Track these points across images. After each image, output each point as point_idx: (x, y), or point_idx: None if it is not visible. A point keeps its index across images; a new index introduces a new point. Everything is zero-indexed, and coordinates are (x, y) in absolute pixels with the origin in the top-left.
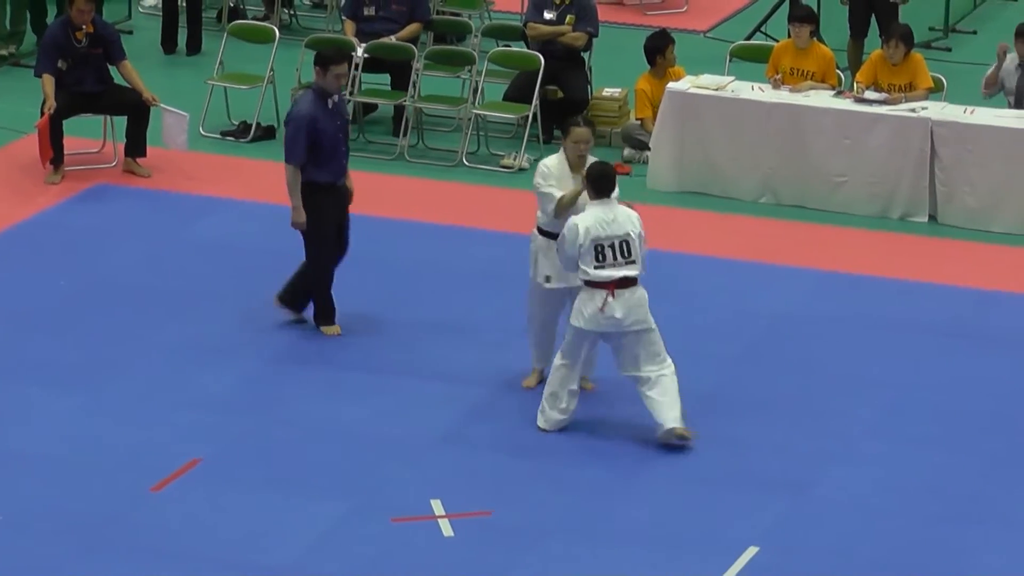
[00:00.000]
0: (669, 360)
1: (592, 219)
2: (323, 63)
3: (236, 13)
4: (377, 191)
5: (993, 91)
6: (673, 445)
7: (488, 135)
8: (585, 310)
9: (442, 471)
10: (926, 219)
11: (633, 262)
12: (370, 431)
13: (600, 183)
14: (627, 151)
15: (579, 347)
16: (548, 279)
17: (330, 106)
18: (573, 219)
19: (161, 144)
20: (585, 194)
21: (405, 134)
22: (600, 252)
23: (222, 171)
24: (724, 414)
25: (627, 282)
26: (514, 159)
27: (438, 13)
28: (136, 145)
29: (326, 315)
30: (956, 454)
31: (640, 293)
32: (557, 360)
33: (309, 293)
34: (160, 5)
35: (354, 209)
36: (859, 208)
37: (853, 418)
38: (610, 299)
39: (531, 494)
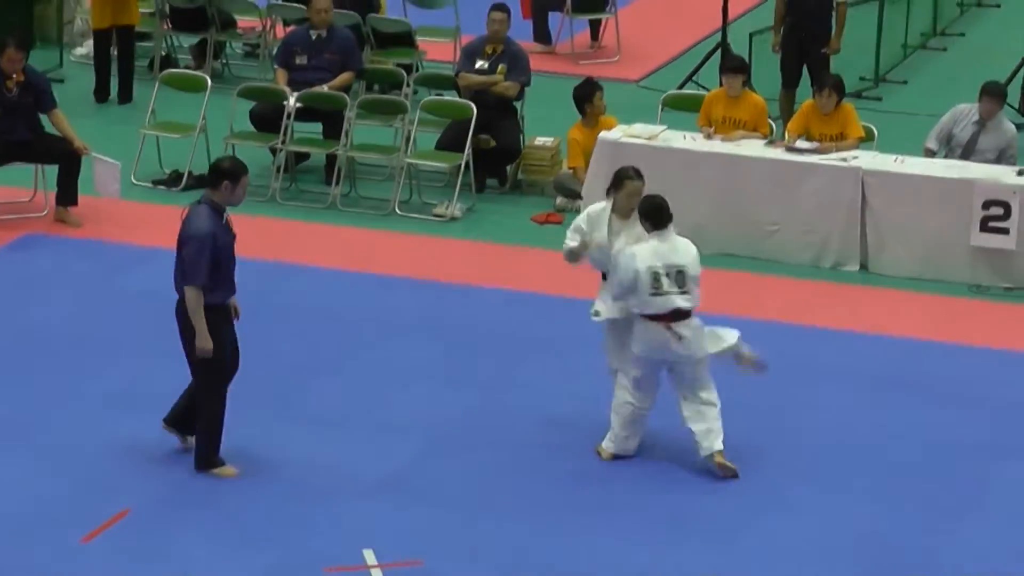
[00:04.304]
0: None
1: (650, 250)
2: (233, 176)
3: (168, 62)
4: (309, 240)
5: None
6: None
7: (420, 184)
8: (643, 338)
9: (374, 520)
10: (857, 268)
11: (686, 292)
12: (302, 480)
13: (655, 216)
14: (559, 200)
15: (645, 378)
16: (597, 313)
17: (224, 220)
18: (630, 248)
19: (94, 192)
20: (598, 240)
21: (338, 183)
22: (656, 279)
23: (154, 220)
24: (655, 461)
25: (681, 314)
26: (446, 208)
27: (370, 63)
28: (67, 194)
29: (214, 454)
30: (886, 504)
31: (696, 322)
32: (624, 398)
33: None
34: (91, 54)
35: (287, 258)
36: (791, 257)
37: (782, 467)
38: (669, 332)
39: (463, 543)
